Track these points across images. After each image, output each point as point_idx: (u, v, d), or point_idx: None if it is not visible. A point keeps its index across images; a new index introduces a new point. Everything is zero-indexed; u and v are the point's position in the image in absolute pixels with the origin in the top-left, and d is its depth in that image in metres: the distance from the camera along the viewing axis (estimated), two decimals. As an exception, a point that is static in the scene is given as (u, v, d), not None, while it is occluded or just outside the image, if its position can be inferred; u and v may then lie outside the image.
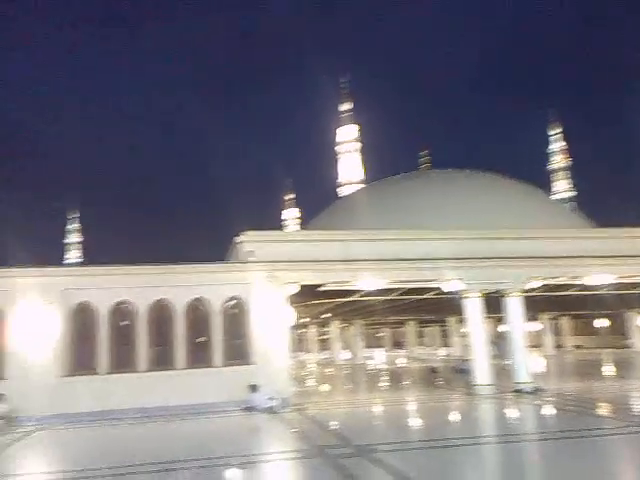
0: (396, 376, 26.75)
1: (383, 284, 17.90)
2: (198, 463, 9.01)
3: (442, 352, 47.58)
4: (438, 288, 18.63)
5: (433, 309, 30.74)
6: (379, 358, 44.93)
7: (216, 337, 15.86)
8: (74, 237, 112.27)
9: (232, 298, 16.14)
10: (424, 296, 22.00)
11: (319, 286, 17.62)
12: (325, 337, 50.34)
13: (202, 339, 16.00)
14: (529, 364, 17.89)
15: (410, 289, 19.93)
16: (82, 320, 15.18)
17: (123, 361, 15.21)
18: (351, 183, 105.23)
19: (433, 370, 25.97)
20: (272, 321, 15.92)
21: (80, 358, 14.95)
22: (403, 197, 22.58)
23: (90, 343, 15.09)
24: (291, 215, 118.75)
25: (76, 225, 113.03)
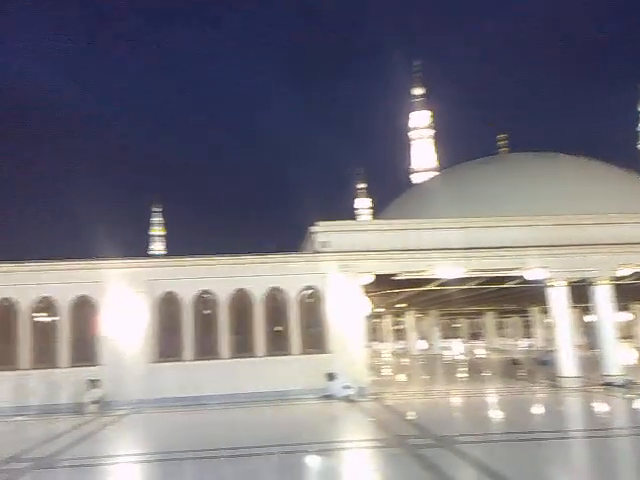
0: (475, 367, 26.13)
1: (461, 273, 17.49)
2: (279, 449, 9.22)
3: (523, 343, 45.92)
4: (520, 277, 17.96)
5: (514, 299, 29.67)
6: (456, 349, 44.05)
7: (293, 326, 16.14)
8: (158, 230, 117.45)
9: (308, 287, 16.35)
10: (505, 285, 21.29)
11: (394, 275, 17.48)
12: (400, 327, 49.93)
13: (280, 327, 16.35)
14: (619, 356, 16.91)
15: (490, 278, 19.35)
16: (168, 309, 15.92)
17: (206, 348, 15.82)
18: (424, 170, 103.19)
19: (514, 362, 25.14)
20: (347, 311, 15.99)
21: (167, 345, 15.70)
22: (481, 183, 21.89)
23: (175, 331, 15.80)
24: (363, 205, 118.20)
25: (159, 219, 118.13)
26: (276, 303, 16.35)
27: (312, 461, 8.60)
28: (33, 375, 14.77)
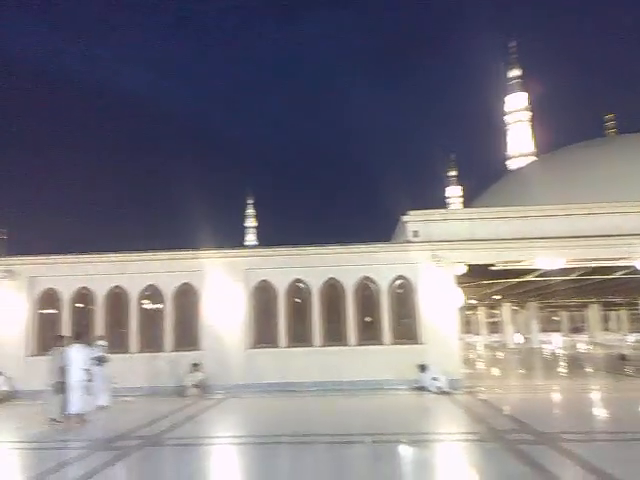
0: (577, 362, 24.69)
1: (563, 263, 16.56)
2: (372, 438, 9.26)
3: (632, 338, 42.77)
4: (631, 267, 16.71)
5: (622, 290, 27.69)
6: (556, 343, 41.87)
7: (384, 316, 16.09)
8: (251, 222, 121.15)
9: (399, 277, 16.22)
10: (612, 276, 19.91)
11: (489, 266, 16.89)
12: (495, 320, 48.26)
13: (370, 317, 16.37)
14: None
15: (595, 268, 18.16)
16: (263, 297, 16.44)
17: (299, 336, 16.19)
18: (522, 155, 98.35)
19: (622, 357, 23.49)
20: (440, 301, 15.68)
21: (263, 332, 16.24)
22: (585, 167, 20.58)
23: (270, 318, 16.29)
24: (454, 193, 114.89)
25: (252, 210, 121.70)
26: (367, 293, 16.37)
27: (406, 451, 8.57)
28: (141, 358, 15.84)
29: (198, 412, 12.60)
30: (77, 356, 11.37)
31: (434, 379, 14.55)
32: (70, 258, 16.57)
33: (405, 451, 8.59)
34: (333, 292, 16.40)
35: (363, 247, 16.33)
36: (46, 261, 16.55)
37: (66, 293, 16.48)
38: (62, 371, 11.25)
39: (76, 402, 11.07)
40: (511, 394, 15.38)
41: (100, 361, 12.34)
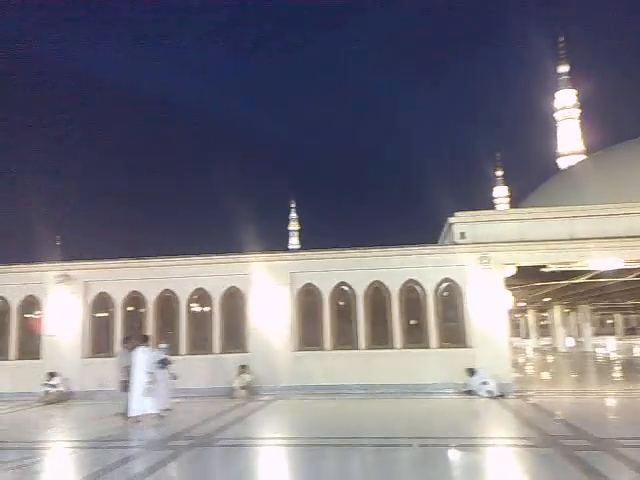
0: (633, 366, 23.71)
1: (619, 264, 15.95)
2: (420, 442, 9.16)
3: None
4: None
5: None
6: (610, 346, 40.30)
7: (430, 318, 15.90)
8: (294, 225, 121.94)
9: (445, 280, 15.99)
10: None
11: (539, 268, 16.45)
12: (545, 322, 46.87)
13: (416, 320, 16.21)
14: None
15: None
16: (308, 300, 16.53)
17: (345, 339, 16.19)
18: (572, 153, 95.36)
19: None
20: (489, 304, 15.36)
21: (308, 335, 16.32)
22: (638, 165, 19.77)
23: (315, 321, 16.35)
24: (502, 193, 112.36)
25: (294, 214, 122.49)
26: (412, 295, 16.21)
27: (456, 456, 8.44)
28: (190, 360, 16.17)
29: (246, 413, 12.76)
30: (142, 358, 11.78)
31: (483, 383, 14.27)
32: (122, 263, 17.11)
33: (455, 456, 8.46)
34: (378, 295, 16.32)
35: (408, 249, 16.18)
36: (99, 266, 17.14)
37: (118, 297, 17.01)
38: (127, 371, 11.71)
39: (136, 405, 11.45)
40: (564, 399, 14.91)
41: (164, 364, 12.63)
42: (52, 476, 7.77)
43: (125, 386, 11.80)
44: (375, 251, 16.29)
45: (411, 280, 16.13)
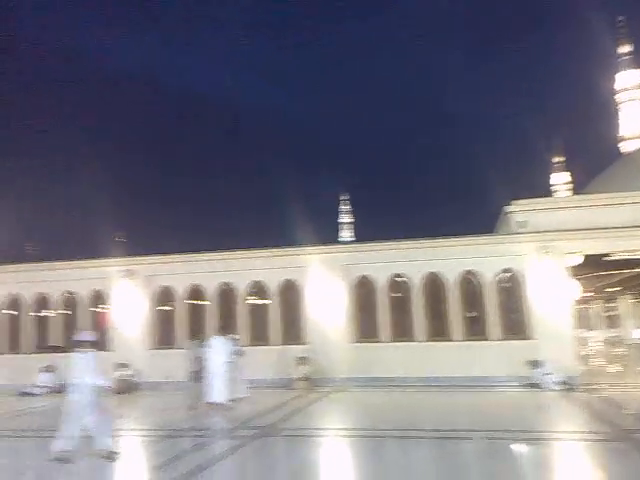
0: None
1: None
2: (482, 434, 9.01)
3: None
4: None
5: None
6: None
7: (490, 310, 15.58)
8: (346, 217, 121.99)
9: (505, 270, 15.62)
10: None
11: (603, 256, 15.78)
12: (611, 313, 44.97)
13: (475, 312, 15.92)
14: None
15: None
16: (363, 292, 16.53)
17: (401, 330, 16.10)
18: (636, 137, 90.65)
19: None
20: (551, 294, 14.90)
21: (365, 327, 16.33)
22: None
23: (371, 313, 16.34)
24: (561, 180, 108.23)
25: (346, 207, 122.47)
26: (471, 287, 15.93)
27: (523, 449, 8.25)
28: (251, 352, 16.38)
29: (307, 404, 12.93)
30: (217, 349, 12.16)
31: (547, 375, 13.88)
32: (182, 257, 17.63)
33: (522, 449, 8.27)
34: (434, 286, 16.12)
35: (465, 239, 15.90)
36: (161, 260, 17.73)
37: (180, 290, 17.54)
38: (199, 362, 12.10)
39: (217, 392, 11.83)
40: (634, 392, 14.28)
41: (237, 354, 12.98)
42: (126, 464, 8.14)
43: (196, 377, 12.17)
44: (430, 242, 16.09)
45: (468, 271, 15.84)
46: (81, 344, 7.99)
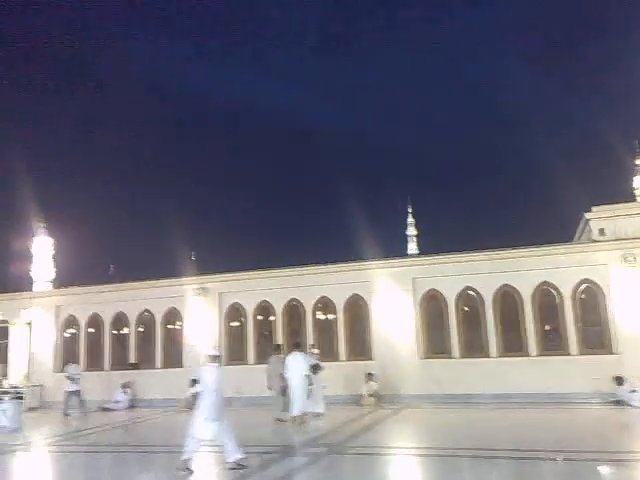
0: None
1: None
2: (563, 455, 8.48)
3: None
4: None
5: None
6: None
7: (569, 323, 14.80)
8: (412, 230, 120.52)
9: (584, 281, 14.83)
10: None
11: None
12: None
13: (553, 325, 15.20)
14: None
15: None
16: (432, 306, 16.17)
17: (473, 345, 15.60)
18: None
19: None
20: (637, 306, 13.97)
21: (434, 342, 15.96)
22: None
23: (441, 328, 15.95)
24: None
25: (411, 219, 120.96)
26: (547, 299, 15.24)
27: (608, 472, 7.69)
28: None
29: (376, 422, 12.75)
30: (297, 363, 12.37)
31: (633, 392, 12.97)
32: (251, 274, 17.98)
33: (607, 471, 7.72)
34: (508, 299, 15.53)
35: (541, 249, 15.25)
36: (232, 278, 18.15)
37: (249, 306, 17.87)
38: (282, 377, 12.35)
39: (297, 405, 12.02)
40: None
41: (315, 369, 13.10)
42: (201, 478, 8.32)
43: (282, 391, 12.46)
44: (503, 253, 15.55)
45: (545, 282, 15.16)
46: (209, 358, 9.00)
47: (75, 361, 17.82)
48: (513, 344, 15.26)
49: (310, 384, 12.41)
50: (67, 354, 19.33)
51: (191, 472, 7.99)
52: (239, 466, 8.10)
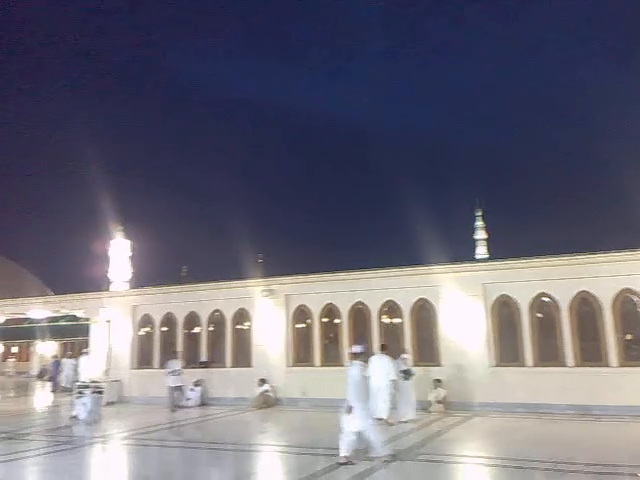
0: None
1: None
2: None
3: None
4: None
5: None
6: None
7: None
8: (480, 234, 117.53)
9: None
10: None
11: None
12: None
13: (635, 334, 14.34)
14: None
15: None
16: (503, 312, 15.66)
17: (548, 354, 14.95)
18: None
19: None
20: None
21: (505, 349, 15.41)
22: None
23: (513, 335, 15.39)
24: None
25: (480, 222, 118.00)
26: (629, 306, 14.39)
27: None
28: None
29: (445, 429, 12.46)
30: (382, 365, 12.35)
31: None
32: (317, 277, 18.10)
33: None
34: (586, 307, 14.78)
35: (621, 254, 14.38)
36: (298, 280, 18.35)
37: (315, 309, 17.99)
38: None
39: (380, 408, 12.03)
40: None
41: (407, 374, 12.96)
42: (262, 479, 8.48)
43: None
44: (580, 257, 14.81)
45: (627, 289, 14.32)
46: (353, 355, 9.64)
47: (175, 357, 17.78)
48: (591, 353, 14.51)
49: (394, 388, 12.23)
50: (142, 352, 20.23)
51: (353, 464, 8.63)
52: (388, 458, 8.76)
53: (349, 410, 8.93)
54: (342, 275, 17.73)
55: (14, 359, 45.05)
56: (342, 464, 8.65)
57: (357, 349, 9.73)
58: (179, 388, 16.98)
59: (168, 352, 18.71)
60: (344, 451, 8.80)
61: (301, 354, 17.92)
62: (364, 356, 9.93)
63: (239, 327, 19.10)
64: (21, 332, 30.52)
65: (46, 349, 39.04)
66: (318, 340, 17.72)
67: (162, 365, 18.47)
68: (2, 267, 44.74)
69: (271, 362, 17.88)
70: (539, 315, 15.38)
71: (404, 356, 14.15)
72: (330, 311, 17.86)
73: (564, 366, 14.64)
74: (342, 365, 16.96)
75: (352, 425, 8.89)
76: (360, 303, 17.39)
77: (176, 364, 17.28)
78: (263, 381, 17.31)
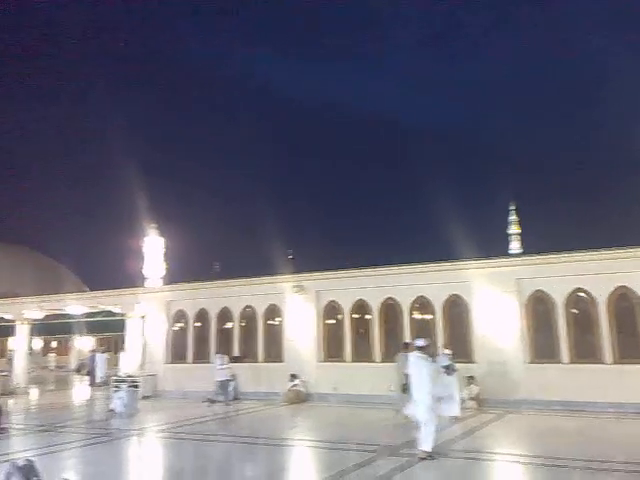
0: None
1: None
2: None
3: None
4: None
5: None
6: None
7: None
8: (514, 228, 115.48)
9: None
10: None
11: None
12: None
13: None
14: None
15: None
16: (538, 308, 15.37)
17: (584, 351, 14.63)
18: None
19: None
20: None
21: (539, 345, 15.13)
22: None
23: (548, 331, 15.10)
24: None
25: (514, 217, 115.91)
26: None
27: None
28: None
29: (478, 426, 12.32)
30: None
31: None
32: (348, 273, 18.07)
33: None
34: (624, 302, 14.40)
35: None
36: (328, 276, 18.37)
37: (346, 305, 17.98)
38: (405, 376, 12.39)
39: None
40: None
41: (449, 370, 12.92)
42: (294, 474, 8.51)
43: (404, 390, 12.39)
44: (620, 252, 14.39)
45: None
46: (417, 348, 9.85)
47: (224, 352, 18.10)
48: (630, 350, 14.12)
49: (438, 386, 12.11)
50: (176, 347, 20.58)
51: (433, 458, 8.74)
52: (430, 457, 8.82)
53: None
54: (372, 271, 17.64)
55: (54, 354, 46.35)
56: (423, 459, 8.74)
57: (420, 342, 9.90)
58: (227, 382, 17.14)
59: (201, 347, 18.91)
60: (427, 447, 8.88)
61: (332, 350, 17.94)
62: (427, 349, 10.07)
63: (270, 322, 19.24)
64: (60, 327, 31.37)
65: (84, 344, 40.11)
66: (349, 336, 17.71)
67: (198, 360, 18.63)
68: (41, 264, 46.13)
69: (302, 357, 17.97)
70: (575, 311, 15.04)
71: (445, 351, 14.06)
72: (361, 307, 17.81)
73: (602, 363, 14.30)
74: (373, 361, 16.98)
75: (415, 414, 9.30)
76: (391, 299, 17.30)
77: (220, 359, 17.46)
78: (294, 376, 17.41)
